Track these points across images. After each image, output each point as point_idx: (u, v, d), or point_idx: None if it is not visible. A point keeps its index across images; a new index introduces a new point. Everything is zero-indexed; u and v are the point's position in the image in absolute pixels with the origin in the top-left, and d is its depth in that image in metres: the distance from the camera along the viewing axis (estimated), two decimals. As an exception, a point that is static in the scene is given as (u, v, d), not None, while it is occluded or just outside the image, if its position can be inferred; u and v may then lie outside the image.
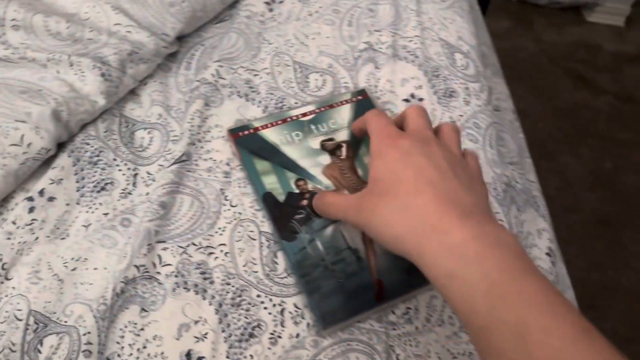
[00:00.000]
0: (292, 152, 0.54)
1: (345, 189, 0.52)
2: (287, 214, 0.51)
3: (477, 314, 0.32)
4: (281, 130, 0.55)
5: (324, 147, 0.55)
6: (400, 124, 0.47)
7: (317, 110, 0.57)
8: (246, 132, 0.55)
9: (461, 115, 0.63)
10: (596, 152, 1.92)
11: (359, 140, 0.55)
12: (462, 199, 0.37)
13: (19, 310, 0.44)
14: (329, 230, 0.50)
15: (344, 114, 0.57)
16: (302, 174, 0.53)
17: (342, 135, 0.56)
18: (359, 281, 0.48)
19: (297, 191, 0.52)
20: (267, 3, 0.71)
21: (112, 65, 0.53)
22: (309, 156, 0.54)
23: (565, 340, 0.29)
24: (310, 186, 0.52)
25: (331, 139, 0.55)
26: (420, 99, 0.63)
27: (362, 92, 0.60)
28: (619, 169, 1.88)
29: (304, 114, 0.57)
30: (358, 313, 0.47)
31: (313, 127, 0.56)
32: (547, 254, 0.58)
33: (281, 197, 0.51)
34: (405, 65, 0.66)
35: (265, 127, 0.56)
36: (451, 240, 0.34)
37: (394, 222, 0.38)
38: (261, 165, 0.53)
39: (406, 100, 0.62)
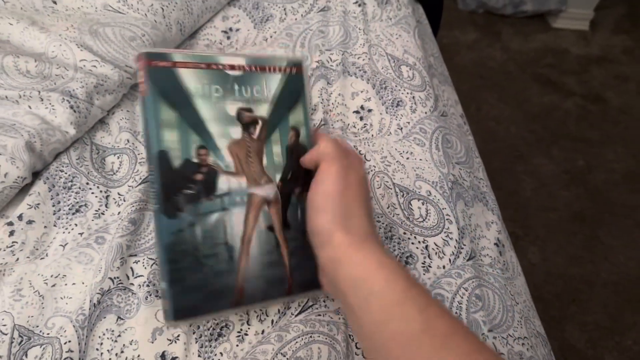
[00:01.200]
0: (205, 109, 0.47)
1: (243, 175, 0.48)
2: (176, 185, 0.45)
3: (394, 291, 0.39)
4: (202, 77, 0.47)
5: (239, 117, 0.48)
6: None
7: (247, 68, 0.49)
8: (162, 63, 0.45)
9: (408, 122, 0.68)
10: (568, 152, 1.99)
11: (275, 123, 0.50)
12: (370, 223, 0.45)
13: (4, 325, 0.48)
14: (214, 217, 0.47)
15: (272, 84, 0.50)
16: (207, 142, 0.47)
17: (262, 111, 0.50)
18: (223, 283, 0.46)
19: (195, 160, 0.46)
20: (225, 32, 0.76)
21: (79, 97, 0.58)
22: (221, 121, 0.47)
23: (459, 319, 0.39)
24: (211, 159, 0.47)
25: (250, 110, 0.49)
26: (370, 110, 0.68)
27: (298, 63, 0.52)
28: (591, 167, 1.94)
29: (232, 66, 0.48)
30: (211, 313, 0.46)
31: (237, 87, 0.48)
32: (495, 244, 0.63)
33: (177, 162, 0.45)
34: (354, 80, 0.71)
35: (185, 65, 0.46)
36: (379, 244, 0.43)
37: (331, 223, 0.44)
38: (167, 114, 0.45)
39: (356, 112, 0.68)
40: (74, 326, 0.49)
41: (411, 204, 0.61)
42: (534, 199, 1.81)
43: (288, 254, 0.50)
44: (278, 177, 0.50)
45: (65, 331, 0.49)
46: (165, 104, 0.45)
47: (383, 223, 0.59)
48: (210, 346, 0.51)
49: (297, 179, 0.51)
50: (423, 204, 0.61)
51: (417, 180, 0.63)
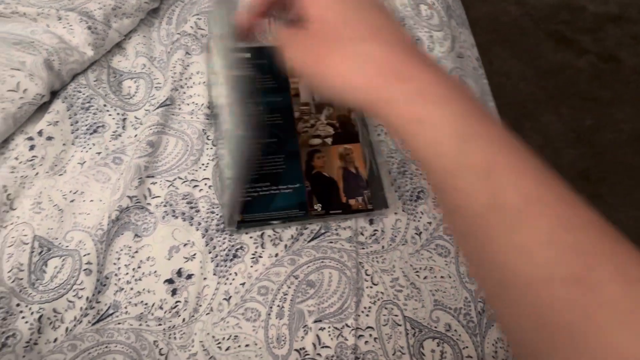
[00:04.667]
0: None
1: None
2: None
3: (444, 157, 0.30)
4: None
5: None
6: None
7: None
8: None
9: (426, 60, 0.67)
10: (577, 111, 1.97)
11: None
12: (415, 46, 0.34)
13: (25, 235, 0.49)
14: None
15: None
16: None
17: None
18: None
19: None
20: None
21: (97, 19, 0.58)
22: None
23: (536, 180, 0.29)
24: None
25: None
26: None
27: None
28: (599, 127, 1.93)
29: None
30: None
31: None
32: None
33: None
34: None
35: None
36: (417, 86, 0.31)
37: (350, 73, 0.33)
38: None
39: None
40: (92, 240, 0.50)
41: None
42: (539, 157, 1.81)
43: None
44: None
45: (84, 244, 0.50)
46: None
47: (396, 158, 0.60)
48: (226, 265, 0.52)
49: None
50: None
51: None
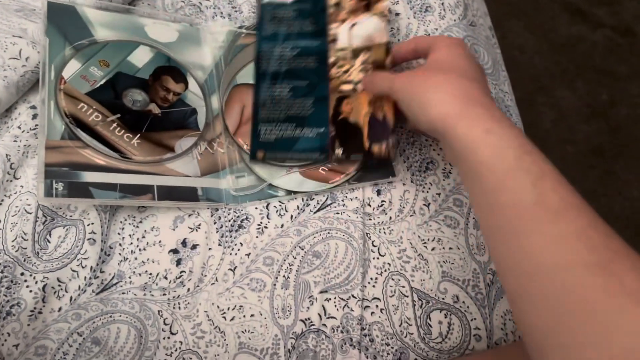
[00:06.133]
0: None
1: None
2: None
3: (505, 161, 0.37)
4: None
5: None
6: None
7: None
8: None
9: (436, 29, 0.65)
10: (592, 85, 1.93)
11: None
12: (487, 87, 0.47)
13: (29, 205, 0.49)
14: None
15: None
16: None
17: None
18: None
19: None
20: None
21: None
22: None
23: (573, 192, 0.35)
24: None
25: None
26: (397, 14, 0.66)
27: None
28: (614, 102, 1.90)
29: None
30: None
31: None
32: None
33: None
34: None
35: None
36: (491, 111, 0.40)
37: (442, 88, 0.43)
38: None
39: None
40: (96, 210, 0.50)
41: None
42: (552, 132, 1.79)
43: None
44: None
45: (88, 214, 0.50)
46: None
47: (405, 129, 0.59)
48: (231, 236, 0.52)
49: None
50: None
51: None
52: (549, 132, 1.78)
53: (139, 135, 0.52)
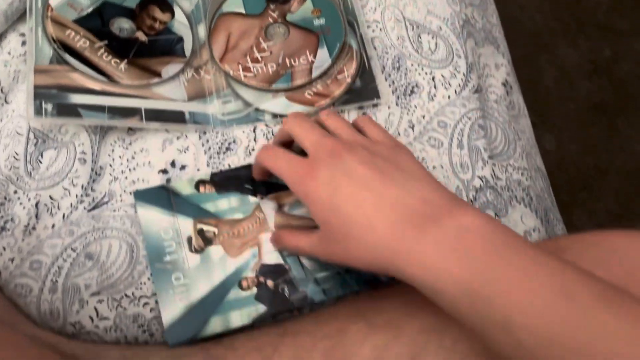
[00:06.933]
0: None
1: None
2: None
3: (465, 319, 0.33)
4: None
5: None
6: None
7: None
8: None
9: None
10: (595, 42, 1.91)
11: None
12: (410, 206, 0.37)
13: (20, 127, 0.50)
14: None
15: None
16: None
17: None
18: None
19: None
20: None
21: None
22: None
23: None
24: None
25: None
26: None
27: None
28: (617, 58, 1.88)
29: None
30: None
31: None
32: (503, 84, 0.63)
33: None
34: None
35: None
36: (417, 258, 0.34)
37: (362, 259, 0.38)
38: None
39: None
40: (86, 131, 0.51)
41: (421, 37, 0.61)
42: (554, 89, 1.78)
43: None
44: None
45: (79, 137, 0.51)
46: None
47: (391, 54, 0.59)
48: (219, 158, 0.53)
49: None
50: (433, 38, 0.61)
51: (427, 15, 0.62)
52: (550, 89, 1.77)
53: (126, 60, 0.53)
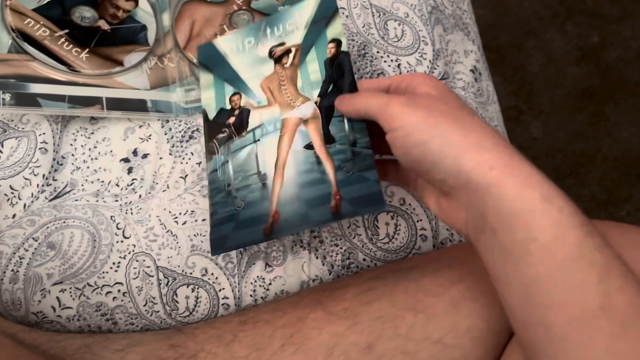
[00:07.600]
0: (238, 62, 0.51)
1: (276, 104, 0.48)
2: (212, 132, 0.49)
3: (565, 243, 0.29)
4: (236, 37, 0.52)
5: (270, 54, 0.50)
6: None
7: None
8: (204, 41, 0.55)
9: None
10: (583, 28, 1.91)
11: (311, 43, 0.48)
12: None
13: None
14: (245, 151, 0.47)
15: (306, 11, 0.49)
16: (240, 88, 0.50)
17: (295, 38, 0.49)
18: (256, 211, 0.44)
19: (228, 107, 0.50)
20: None
21: None
22: (253, 66, 0.50)
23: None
24: (243, 101, 0.49)
25: (282, 44, 0.50)
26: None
27: None
28: (605, 44, 1.87)
29: None
30: (245, 244, 0.45)
31: (268, 30, 0.50)
32: (471, 70, 0.62)
33: (212, 114, 0.50)
34: None
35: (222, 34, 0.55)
36: (530, 164, 0.33)
37: (474, 128, 0.34)
38: (204, 78, 0.52)
39: None
40: (48, 121, 0.51)
41: (387, 25, 0.60)
42: (541, 75, 1.77)
43: (333, 168, 0.43)
44: (316, 93, 0.46)
45: (40, 126, 0.51)
46: (204, 70, 0.52)
47: (357, 41, 0.59)
48: (182, 146, 0.53)
49: (342, 87, 0.45)
50: (399, 25, 0.61)
51: (395, 2, 0.62)
52: (537, 76, 1.76)
53: (87, 50, 0.53)
